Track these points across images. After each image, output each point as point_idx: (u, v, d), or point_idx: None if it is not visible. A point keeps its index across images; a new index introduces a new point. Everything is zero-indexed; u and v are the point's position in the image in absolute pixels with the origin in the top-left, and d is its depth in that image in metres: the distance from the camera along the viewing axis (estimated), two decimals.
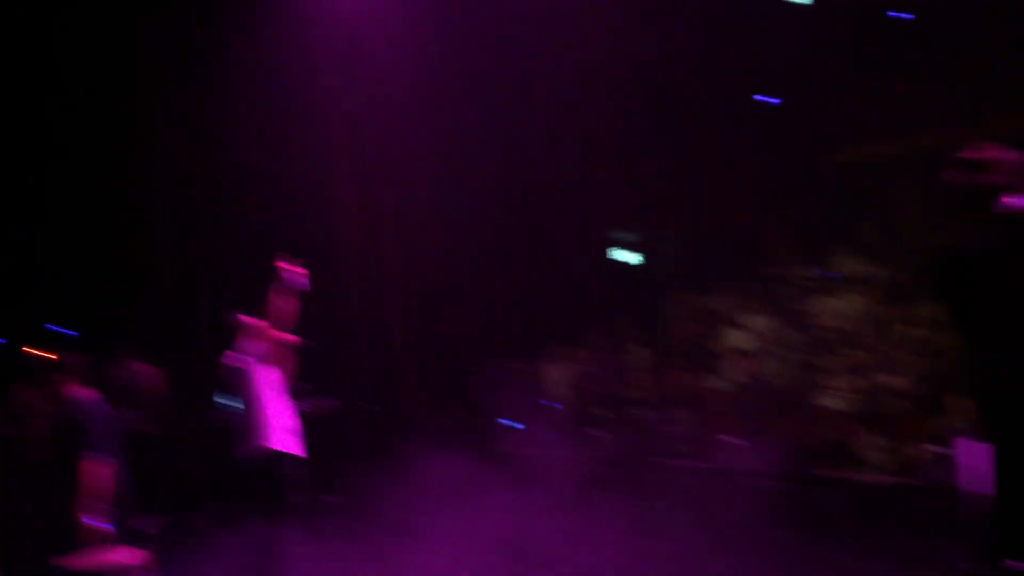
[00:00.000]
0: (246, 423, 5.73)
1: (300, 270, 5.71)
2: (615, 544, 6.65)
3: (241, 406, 5.77)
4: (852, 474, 7.83)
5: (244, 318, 5.98)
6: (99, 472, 4.85)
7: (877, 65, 12.68)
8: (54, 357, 5.51)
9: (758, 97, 13.44)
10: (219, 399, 6.15)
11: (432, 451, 9.87)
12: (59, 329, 14.37)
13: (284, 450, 5.77)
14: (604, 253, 14.82)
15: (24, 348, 8.48)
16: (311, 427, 9.01)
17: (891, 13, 12.52)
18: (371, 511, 8.29)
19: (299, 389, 9.08)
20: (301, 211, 11.62)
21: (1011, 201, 2.62)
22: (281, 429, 5.80)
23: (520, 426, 11.32)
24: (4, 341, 16.51)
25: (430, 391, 12.34)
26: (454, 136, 11.93)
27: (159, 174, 11.71)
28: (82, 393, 5.15)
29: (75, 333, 15.26)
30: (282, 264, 5.71)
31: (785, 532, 6.73)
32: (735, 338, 10.83)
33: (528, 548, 6.68)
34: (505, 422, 11.57)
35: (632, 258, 15.26)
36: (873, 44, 12.78)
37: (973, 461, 2.69)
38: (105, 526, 4.87)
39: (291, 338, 5.90)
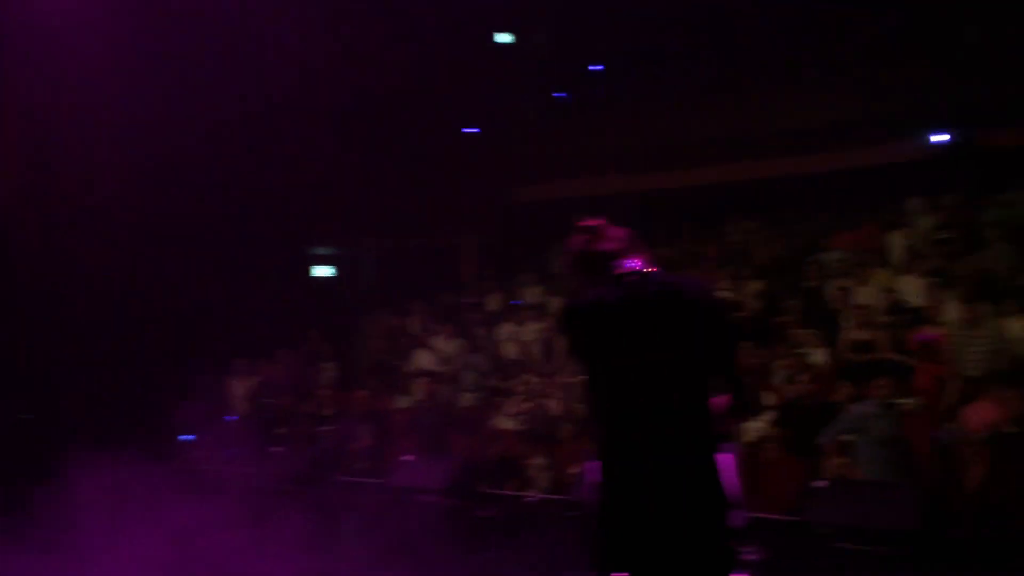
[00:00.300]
0: None
1: None
2: (287, 560, 6.59)
3: None
4: (517, 491, 8.33)
5: None
6: None
7: (569, 109, 13.77)
8: None
9: (466, 130, 14.09)
10: None
11: (99, 464, 9.22)
12: None
13: None
14: (301, 267, 14.71)
15: None
16: None
17: (591, 67, 13.66)
18: (19, 528, 7.60)
19: None
20: None
21: (621, 265, 3.10)
22: None
23: (199, 439, 10.86)
24: None
25: (104, 400, 11.52)
26: (148, 143, 11.34)
27: None
28: None
29: None
30: None
31: (450, 545, 7.04)
32: (422, 358, 11.15)
33: (196, 566, 6.44)
34: (185, 436, 11.06)
35: (328, 273, 15.29)
36: (569, 89, 13.86)
37: (593, 478, 3.07)
38: None
39: None
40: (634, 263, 3.12)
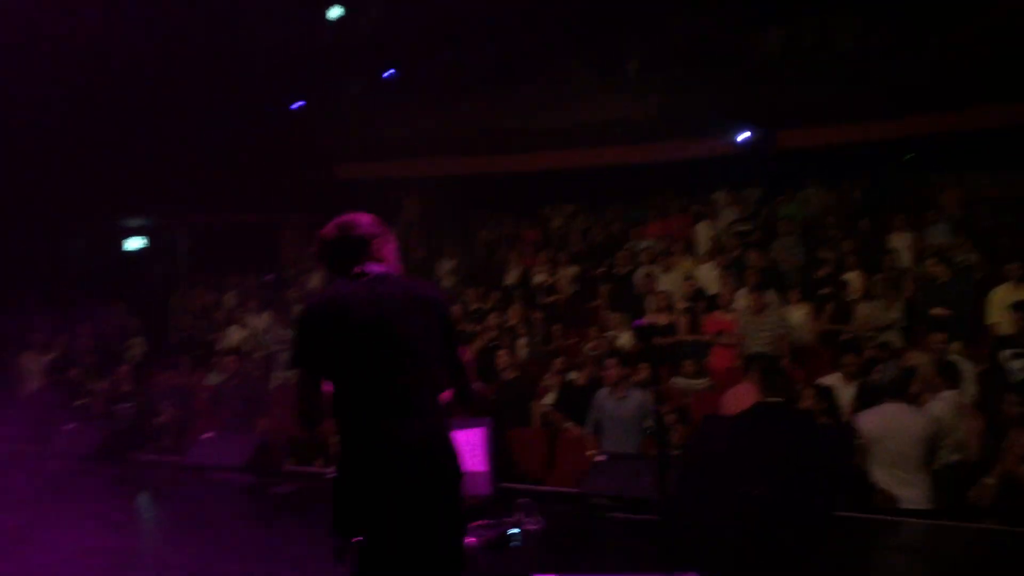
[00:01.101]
0: None
1: None
2: (72, 542, 6.31)
3: None
4: (320, 468, 8.29)
5: None
6: None
7: (396, 89, 13.71)
8: None
9: (294, 106, 13.79)
10: None
11: None
12: None
13: None
14: (108, 239, 14.04)
15: None
16: None
17: (385, 74, 13.62)
18: None
19: None
20: None
21: (363, 264, 3.44)
22: None
23: None
24: None
25: None
26: None
27: None
28: None
29: None
30: None
31: (245, 522, 6.94)
32: (233, 335, 10.90)
33: None
34: None
35: (139, 247, 14.65)
36: (397, 69, 13.80)
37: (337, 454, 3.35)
38: None
39: None
40: (375, 266, 3.42)
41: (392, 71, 13.46)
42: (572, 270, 11.86)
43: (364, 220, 3.53)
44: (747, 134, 12.17)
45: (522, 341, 10.10)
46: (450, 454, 3.25)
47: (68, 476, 8.44)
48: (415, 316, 3.28)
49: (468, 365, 3.41)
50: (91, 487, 8.08)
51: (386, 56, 13.40)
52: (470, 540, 4.80)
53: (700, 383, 8.95)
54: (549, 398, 8.76)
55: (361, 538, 3.14)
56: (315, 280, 12.47)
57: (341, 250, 3.45)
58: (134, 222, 14.75)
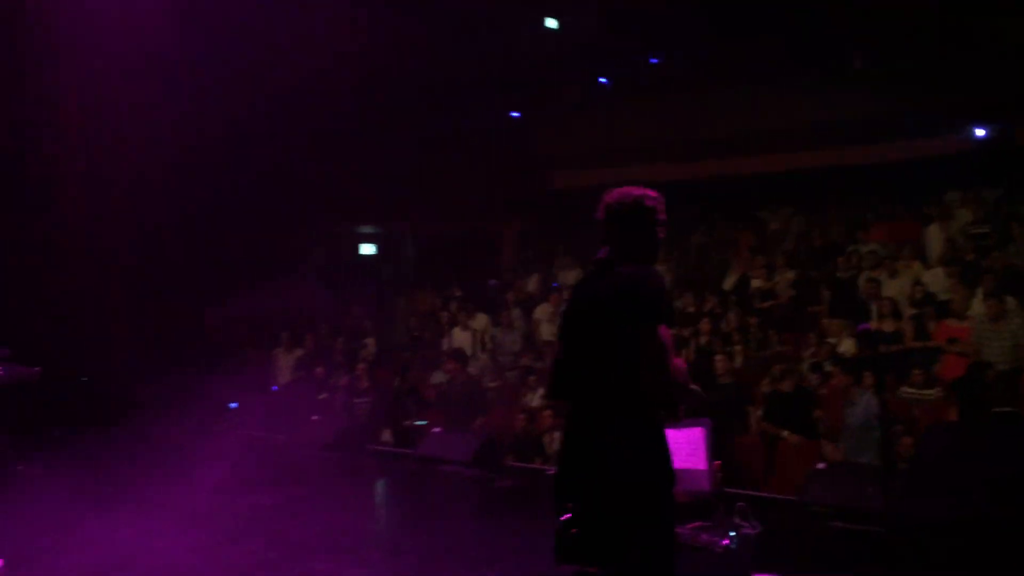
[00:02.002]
0: None
1: None
2: (323, 521, 6.98)
3: None
4: (539, 465, 8.65)
5: None
6: None
7: (610, 96, 13.92)
8: None
9: (513, 114, 14.34)
10: None
11: (145, 426, 9.78)
12: None
13: None
14: (342, 247, 15.14)
15: None
16: (7, 394, 8.71)
17: (599, 80, 13.77)
18: (71, 480, 8.14)
19: None
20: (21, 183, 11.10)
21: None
22: None
23: (238, 408, 11.38)
24: None
25: (152, 368, 12.10)
26: (190, 125, 11.79)
27: None
28: None
29: None
30: None
31: (471, 513, 7.39)
32: (456, 337, 11.50)
33: (237, 521, 6.85)
34: (227, 405, 11.59)
35: (369, 254, 15.72)
36: (611, 77, 13.99)
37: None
38: None
39: None
40: (608, 253, 3.39)
41: (605, 78, 13.69)
42: (790, 275, 11.60)
43: (635, 196, 3.41)
44: (983, 131, 11.43)
45: (738, 347, 10.02)
46: (647, 453, 3.19)
47: (314, 463, 9.27)
48: (614, 311, 3.21)
49: (678, 366, 3.26)
50: (334, 474, 8.86)
51: (600, 63, 13.61)
52: (686, 540, 4.93)
53: (930, 393, 8.54)
54: (761, 407, 8.67)
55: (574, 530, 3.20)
56: (532, 285, 12.91)
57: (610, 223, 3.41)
58: (367, 229, 15.84)
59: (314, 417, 10.50)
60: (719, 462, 5.53)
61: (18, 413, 8.87)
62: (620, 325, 3.17)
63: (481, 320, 11.62)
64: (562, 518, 3.23)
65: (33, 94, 11.08)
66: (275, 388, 11.83)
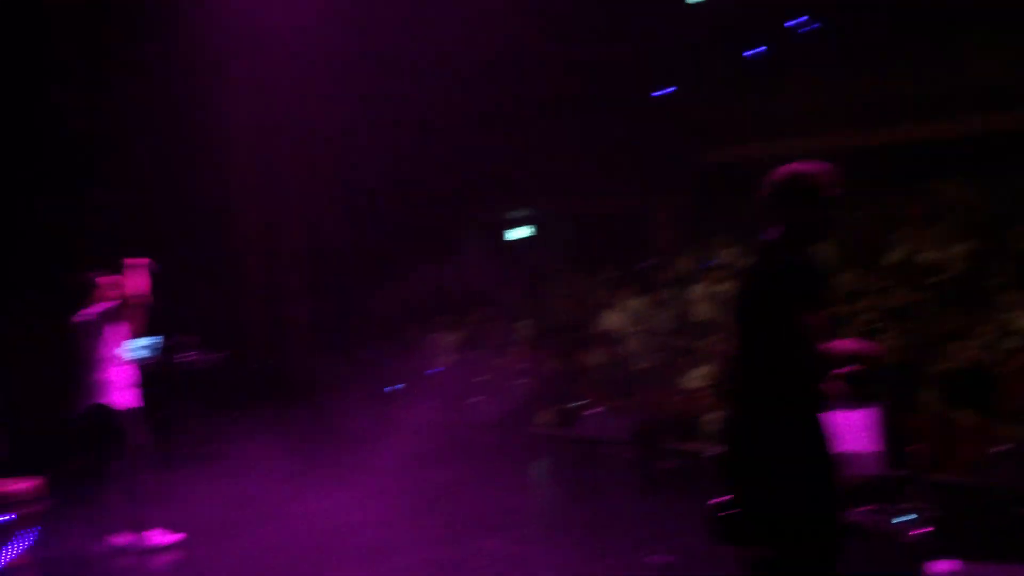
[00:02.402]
0: (85, 379, 6.05)
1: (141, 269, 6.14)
2: (489, 497, 7.23)
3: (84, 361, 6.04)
4: (697, 446, 8.60)
5: (94, 276, 6.26)
6: None
7: (764, 67, 13.52)
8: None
9: (657, 93, 14.16)
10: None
11: (319, 407, 10.34)
12: None
13: (121, 405, 6.12)
14: (497, 229, 15.39)
15: None
16: (195, 377, 9.42)
17: (788, 23, 13.33)
18: (258, 457, 8.73)
19: (185, 341, 9.45)
20: (201, 174, 11.88)
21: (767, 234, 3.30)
22: (121, 383, 6.16)
23: (404, 388, 11.83)
24: None
25: (323, 353, 12.76)
26: (352, 110, 12.26)
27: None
28: None
29: None
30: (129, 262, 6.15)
31: (629, 493, 7.46)
32: (610, 318, 11.53)
33: (406, 496, 7.18)
34: (394, 386, 12.07)
35: (523, 236, 15.90)
36: (764, 48, 13.57)
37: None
38: None
39: (140, 295, 6.25)
40: (772, 233, 3.31)
41: (761, 48, 13.28)
42: (963, 247, 10.98)
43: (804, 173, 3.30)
44: None
45: (907, 324, 9.59)
46: (805, 436, 3.16)
47: (477, 442, 9.57)
48: (772, 295, 3.18)
49: (842, 347, 3.18)
50: (497, 453, 9.13)
51: (757, 31, 13.21)
52: (858, 524, 4.83)
53: None
54: (936, 385, 8.28)
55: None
56: (687, 264, 12.73)
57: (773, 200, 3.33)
58: (523, 211, 16.03)
59: (475, 398, 10.81)
60: (892, 444, 5.37)
61: (208, 394, 9.59)
62: (777, 309, 3.15)
63: (635, 301, 11.59)
64: (721, 499, 3.26)
65: (206, 98, 11.84)
66: (436, 370, 12.20)
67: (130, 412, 6.16)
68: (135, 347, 9.41)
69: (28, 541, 5.23)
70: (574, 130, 13.51)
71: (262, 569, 5.73)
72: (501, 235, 15.95)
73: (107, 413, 6.03)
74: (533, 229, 16.33)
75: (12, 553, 5.12)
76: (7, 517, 5.08)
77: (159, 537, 6.23)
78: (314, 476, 7.94)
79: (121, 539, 6.13)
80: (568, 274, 14.00)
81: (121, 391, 6.13)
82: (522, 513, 6.93)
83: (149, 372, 9.27)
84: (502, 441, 9.61)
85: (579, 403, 10.11)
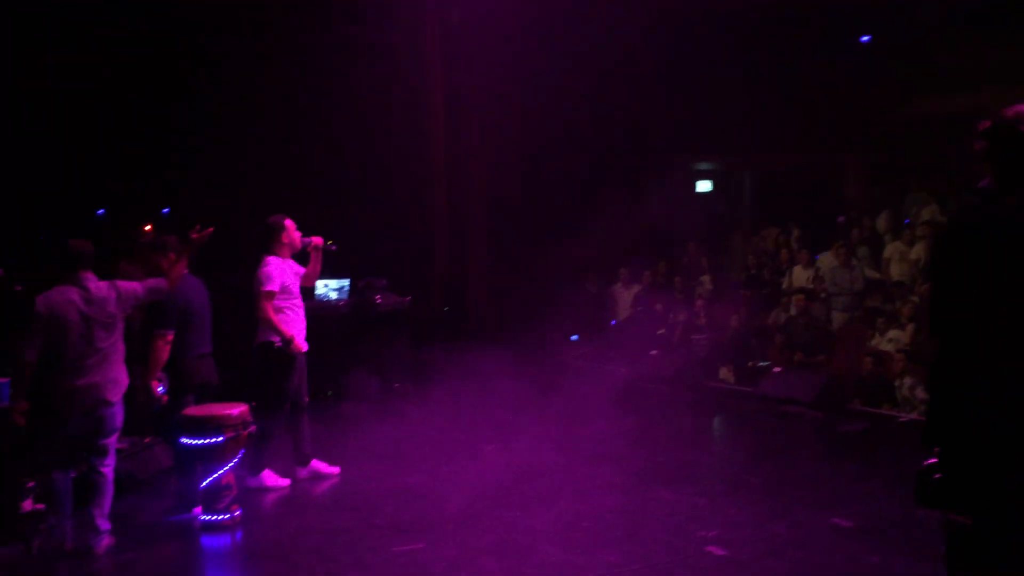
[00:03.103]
0: (264, 318, 6.34)
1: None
2: (660, 451, 7.21)
3: (263, 301, 6.33)
4: (888, 411, 8.22)
5: (276, 220, 6.53)
6: (159, 345, 5.68)
7: (964, 18, 12.50)
8: (151, 233, 6.20)
9: (862, 39, 13.40)
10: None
11: (498, 354, 10.57)
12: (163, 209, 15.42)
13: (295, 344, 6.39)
14: (683, 182, 15.11)
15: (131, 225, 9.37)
16: (380, 321, 9.84)
17: None
18: (435, 401, 9.08)
19: (373, 284, 9.87)
20: (394, 128, 12.38)
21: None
22: (293, 325, 6.44)
23: (582, 340, 11.92)
24: (102, 212, 17.67)
25: (503, 301, 13.04)
26: (542, 69, 12.30)
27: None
28: (173, 269, 5.86)
29: (167, 210, 16.39)
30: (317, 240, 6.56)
31: (812, 454, 7.23)
32: (798, 276, 11.13)
33: (580, 446, 7.27)
34: (575, 335, 12.19)
35: (709, 189, 15.54)
36: None
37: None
38: (161, 392, 5.71)
39: (317, 240, 6.58)
40: (986, 181, 3.00)
41: None
42: None
43: None
44: None
45: None
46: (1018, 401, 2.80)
47: (653, 396, 9.52)
48: (992, 249, 2.88)
49: None
50: (673, 407, 9.05)
51: None
52: None
53: None
54: None
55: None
56: (880, 222, 12.10)
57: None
58: (704, 165, 15.68)
59: (653, 351, 10.75)
60: None
61: (392, 336, 10.02)
62: (998, 265, 2.87)
63: (825, 259, 11.12)
64: (927, 462, 3.07)
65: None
66: (617, 321, 12.21)
67: (300, 353, 6.44)
68: (325, 289, 9.98)
69: (234, 463, 5.66)
70: (762, 80, 13.01)
71: (439, 502, 5.95)
72: (688, 188, 15.67)
73: (274, 350, 6.34)
74: (716, 183, 15.95)
75: (220, 473, 5.56)
76: (219, 439, 5.51)
77: (324, 468, 6.63)
78: (493, 420, 8.16)
79: (303, 471, 6.56)
80: (756, 229, 13.60)
81: (295, 331, 6.41)
82: (700, 467, 6.87)
83: (338, 313, 9.85)
84: (681, 395, 9.52)
85: (763, 361, 9.87)
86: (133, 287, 5.36)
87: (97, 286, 5.21)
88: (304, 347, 6.47)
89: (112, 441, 5.29)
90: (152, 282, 5.49)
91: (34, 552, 3.90)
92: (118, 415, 5.27)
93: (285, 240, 6.47)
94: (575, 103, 12.68)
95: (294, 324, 6.45)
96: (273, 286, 6.29)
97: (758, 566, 4.78)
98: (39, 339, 4.99)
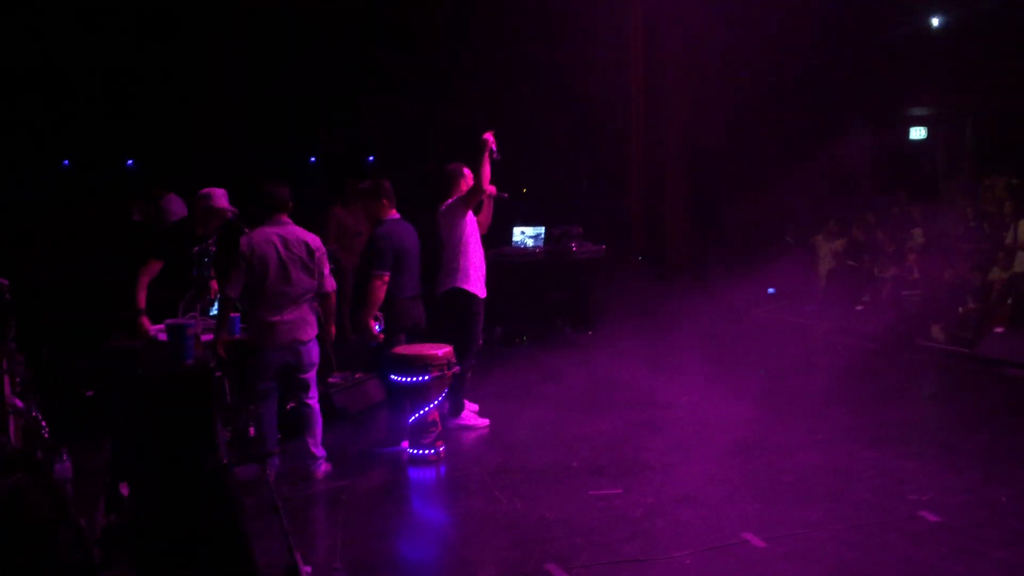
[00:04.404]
0: (448, 264, 6.49)
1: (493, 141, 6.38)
2: (865, 410, 6.94)
3: (445, 248, 6.49)
4: None
5: (455, 167, 6.65)
6: (376, 285, 5.93)
7: None
8: (364, 184, 6.46)
9: None
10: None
11: (693, 304, 10.44)
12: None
13: (476, 291, 6.50)
14: (890, 129, 14.23)
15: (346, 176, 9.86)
16: (575, 268, 9.94)
17: None
18: (627, 347, 9.11)
19: (569, 232, 9.95)
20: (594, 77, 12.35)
21: None
22: (475, 271, 6.53)
23: (782, 292, 11.55)
24: (313, 159, 18.69)
25: (700, 251, 12.84)
26: (750, 16, 11.87)
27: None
28: (387, 214, 6.12)
29: (372, 158, 17.12)
30: (488, 136, 6.42)
31: None
32: (1023, 229, 10.26)
33: (775, 401, 7.09)
34: (770, 290, 11.84)
35: (920, 136, 14.55)
36: None
37: None
38: (378, 329, 5.98)
39: (490, 189, 6.55)
40: None
41: None
42: None
43: None
44: None
45: None
46: None
47: (858, 353, 9.10)
48: None
49: None
50: (880, 365, 8.61)
51: None
52: None
53: None
54: None
55: None
56: None
57: None
58: (918, 111, 14.67)
59: (859, 307, 10.27)
60: None
61: (587, 284, 10.11)
62: None
63: None
64: None
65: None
66: (818, 276, 11.71)
67: (478, 299, 6.56)
68: (522, 236, 10.15)
69: (439, 400, 5.90)
70: (983, 19, 11.96)
71: (634, 450, 5.98)
72: (897, 137, 14.75)
73: (461, 296, 6.49)
74: (931, 130, 14.90)
75: (426, 410, 5.81)
76: (426, 377, 5.76)
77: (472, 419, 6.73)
78: (687, 370, 8.09)
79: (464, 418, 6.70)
80: (973, 179, 12.61)
81: (473, 278, 6.53)
82: (910, 428, 6.52)
83: (534, 260, 10.02)
84: (886, 354, 9.05)
85: (980, 320, 9.21)
86: (322, 249, 5.54)
87: (294, 230, 5.48)
88: (483, 293, 6.60)
89: (312, 375, 5.58)
90: (329, 277, 5.62)
91: (267, 474, 4.26)
92: (313, 351, 5.54)
93: (464, 187, 6.59)
94: (784, 50, 12.14)
95: (472, 269, 6.55)
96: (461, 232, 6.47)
97: (973, 534, 4.52)
98: (241, 276, 5.33)
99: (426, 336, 6.36)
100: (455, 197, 6.58)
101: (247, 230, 5.59)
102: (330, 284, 5.57)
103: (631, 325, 10.04)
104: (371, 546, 4.58)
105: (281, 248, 5.39)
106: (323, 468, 5.57)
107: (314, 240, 5.54)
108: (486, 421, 6.72)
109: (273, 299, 5.38)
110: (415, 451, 5.87)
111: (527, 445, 6.25)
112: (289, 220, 5.54)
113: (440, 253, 6.57)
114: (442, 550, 4.71)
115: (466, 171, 6.62)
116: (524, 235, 10.28)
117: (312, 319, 5.55)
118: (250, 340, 5.46)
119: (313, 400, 5.62)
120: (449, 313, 6.55)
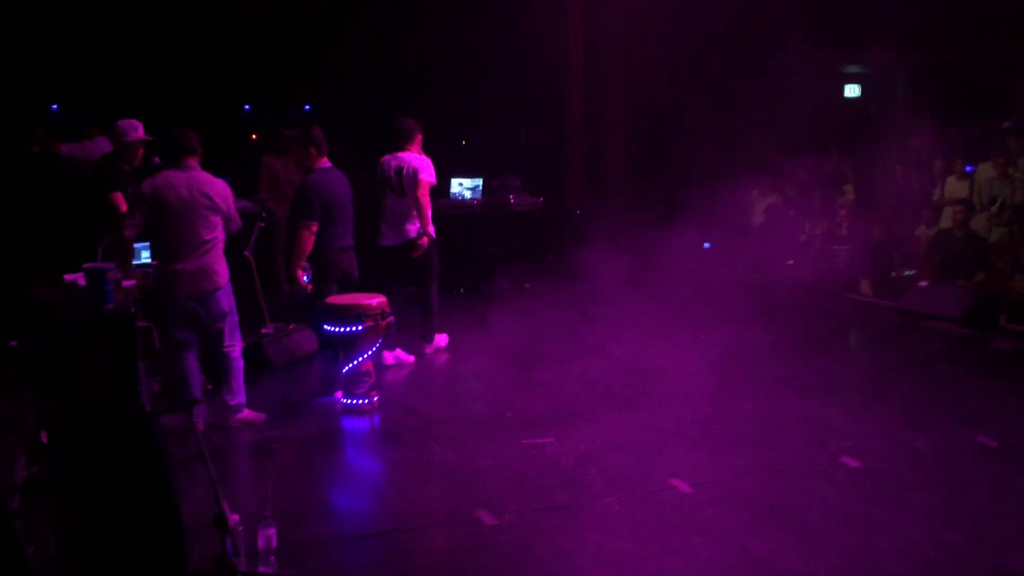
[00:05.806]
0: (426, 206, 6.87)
1: None
2: (795, 361, 7.07)
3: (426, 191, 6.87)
4: None
5: (414, 122, 7.03)
6: (304, 235, 5.93)
7: None
8: (294, 131, 6.39)
9: None
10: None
11: (630, 257, 10.47)
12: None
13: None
14: (825, 82, 14.36)
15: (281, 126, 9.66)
16: (512, 220, 9.92)
17: None
18: (567, 299, 9.14)
19: (506, 184, 9.90)
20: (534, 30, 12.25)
21: None
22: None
23: (718, 245, 11.67)
24: (248, 108, 18.28)
25: (637, 205, 12.87)
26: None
27: None
28: (317, 163, 6.04)
29: (308, 107, 16.85)
30: None
31: (958, 372, 6.89)
32: (952, 186, 10.50)
33: (712, 352, 7.16)
34: (705, 244, 11.95)
35: (854, 95, 14.73)
36: None
37: None
38: (306, 280, 5.94)
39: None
40: None
41: None
42: None
43: None
44: None
45: None
46: None
47: (788, 306, 9.27)
48: None
49: None
50: (810, 318, 8.80)
51: None
52: None
53: None
54: None
55: None
56: None
57: None
58: (852, 68, 14.82)
59: (790, 261, 10.45)
60: None
61: (524, 236, 10.09)
62: None
63: (983, 169, 10.41)
64: None
65: None
66: (752, 229, 11.85)
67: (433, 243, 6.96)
68: (460, 188, 10.08)
69: (372, 351, 5.87)
70: None
71: (567, 399, 6.04)
72: (829, 94, 14.89)
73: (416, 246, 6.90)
74: (864, 88, 15.09)
75: (358, 360, 5.78)
76: (359, 327, 5.71)
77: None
78: (622, 322, 8.15)
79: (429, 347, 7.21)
80: (906, 135, 12.82)
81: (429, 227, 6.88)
82: (836, 378, 6.70)
83: (471, 212, 9.95)
84: (817, 306, 9.25)
85: (907, 273, 9.45)
86: (227, 193, 5.42)
87: (199, 176, 5.33)
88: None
89: (225, 324, 5.44)
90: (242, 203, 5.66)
91: (194, 423, 4.20)
92: (223, 300, 5.40)
93: (420, 140, 7.00)
94: (721, 5, 12.12)
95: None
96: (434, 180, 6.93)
97: (894, 479, 4.68)
98: (139, 217, 5.22)
99: (359, 287, 6.30)
100: (413, 150, 6.94)
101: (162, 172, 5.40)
102: (235, 224, 5.49)
103: (567, 277, 10.06)
104: (302, 495, 4.56)
105: (184, 193, 5.22)
106: (242, 415, 5.49)
107: (222, 186, 5.39)
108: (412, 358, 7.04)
109: (175, 247, 5.23)
110: (349, 401, 5.84)
111: (462, 396, 6.28)
112: (196, 165, 5.36)
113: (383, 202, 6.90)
114: (374, 499, 4.72)
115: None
116: (462, 187, 10.19)
117: (220, 268, 5.38)
118: (155, 289, 5.32)
119: (231, 349, 5.49)
120: (425, 253, 6.95)
